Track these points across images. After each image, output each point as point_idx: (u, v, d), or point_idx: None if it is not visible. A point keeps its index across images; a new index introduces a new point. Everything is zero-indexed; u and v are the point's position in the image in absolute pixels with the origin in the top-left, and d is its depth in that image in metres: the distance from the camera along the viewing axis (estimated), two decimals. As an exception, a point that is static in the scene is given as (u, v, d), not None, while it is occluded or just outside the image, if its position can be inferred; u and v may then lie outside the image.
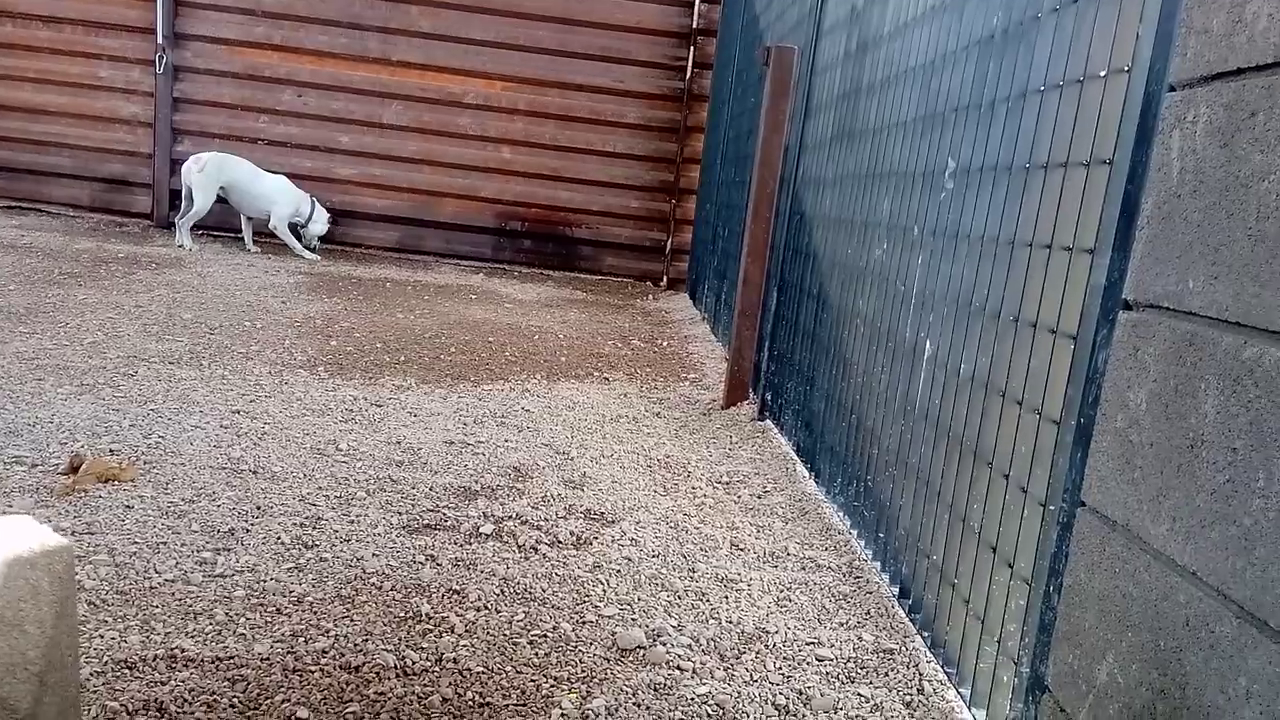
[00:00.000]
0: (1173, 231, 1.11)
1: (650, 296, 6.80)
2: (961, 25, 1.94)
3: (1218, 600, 0.99)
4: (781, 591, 2.03)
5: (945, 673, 1.71)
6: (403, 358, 3.86)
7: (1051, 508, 1.35)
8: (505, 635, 1.72)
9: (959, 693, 1.63)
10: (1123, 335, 1.19)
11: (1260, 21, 1.02)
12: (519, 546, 2.11)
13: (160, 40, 6.81)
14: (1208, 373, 1.03)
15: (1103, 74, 1.36)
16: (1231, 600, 0.97)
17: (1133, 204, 1.21)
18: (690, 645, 1.75)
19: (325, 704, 1.46)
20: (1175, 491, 1.07)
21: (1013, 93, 1.67)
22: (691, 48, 7.04)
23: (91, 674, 1.46)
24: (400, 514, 2.22)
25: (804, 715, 1.58)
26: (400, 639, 1.66)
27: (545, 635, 1.74)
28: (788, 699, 1.61)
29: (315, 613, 1.72)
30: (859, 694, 1.65)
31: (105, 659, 1.50)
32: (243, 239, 6.64)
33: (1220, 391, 1.01)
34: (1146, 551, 1.11)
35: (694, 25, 7.01)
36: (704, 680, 1.64)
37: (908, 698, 1.65)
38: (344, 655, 1.59)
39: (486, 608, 1.82)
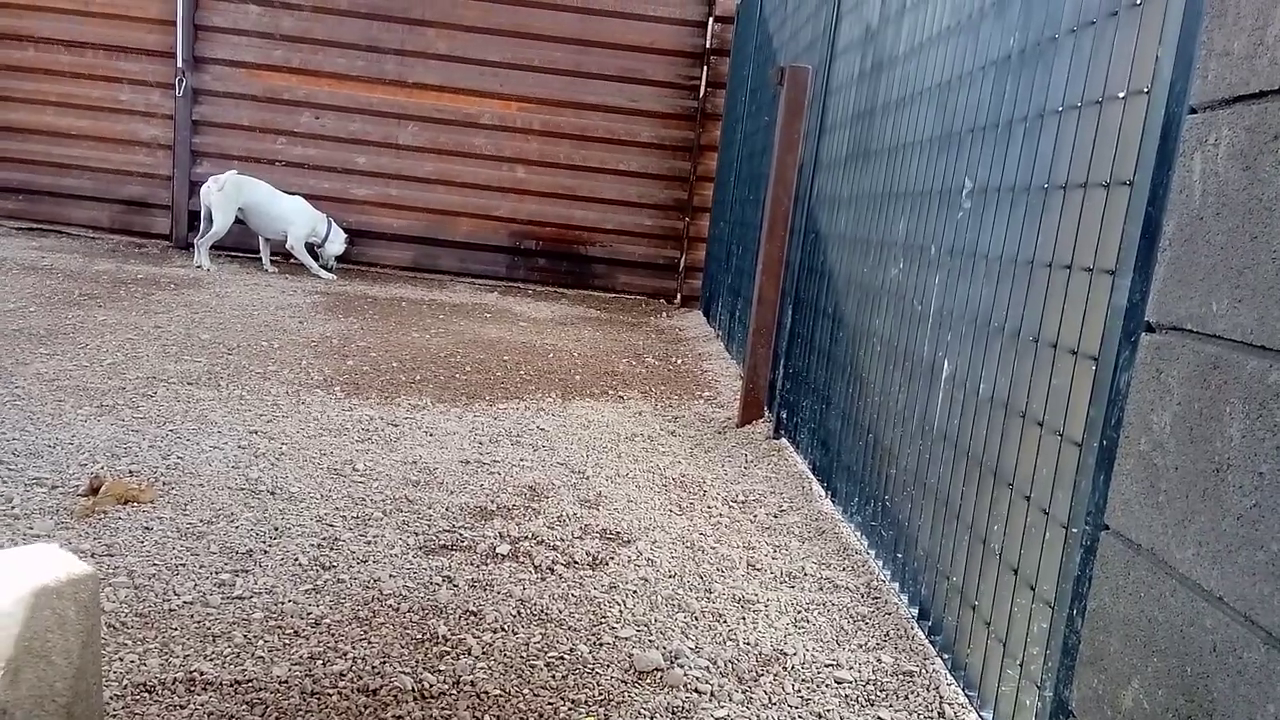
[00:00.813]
0: (1195, 254, 1.11)
1: (664, 314, 6.81)
2: (978, 46, 1.94)
3: (1245, 626, 0.98)
4: (799, 612, 2.02)
5: (966, 696, 1.69)
6: (418, 377, 3.88)
7: (1074, 530, 1.34)
8: (522, 657, 1.72)
9: (980, 716, 1.62)
10: (1145, 357, 1.18)
11: (1281, 43, 1.01)
12: (535, 567, 2.11)
13: (180, 64, 6.90)
14: (1233, 396, 1.02)
15: (1122, 95, 1.36)
16: (1259, 626, 0.96)
17: (1154, 226, 1.20)
18: (708, 667, 1.74)
19: (344, 727, 1.45)
20: (1201, 516, 1.06)
21: (1031, 113, 1.66)
22: (705, 67, 7.07)
23: (111, 697, 1.46)
24: (417, 535, 2.22)
25: (824, 740, 1.56)
26: (418, 661, 1.66)
27: (562, 657, 1.74)
28: (807, 723, 1.60)
29: (333, 635, 1.72)
30: (879, 717, 1.63)
31: (125, 682, 1.51)
32: (260, 259, 6.69)
33: (1246, 415, 1.00)
34: (1172, 576, 1.09)
35: (708, 45, 7.04)
36: (722, 703, 1.63)
37: (929, 722, 1.64)
38: (362, 678, 1.59)
39: (503, 629, 1.81)
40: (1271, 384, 0.97)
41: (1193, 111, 1.15)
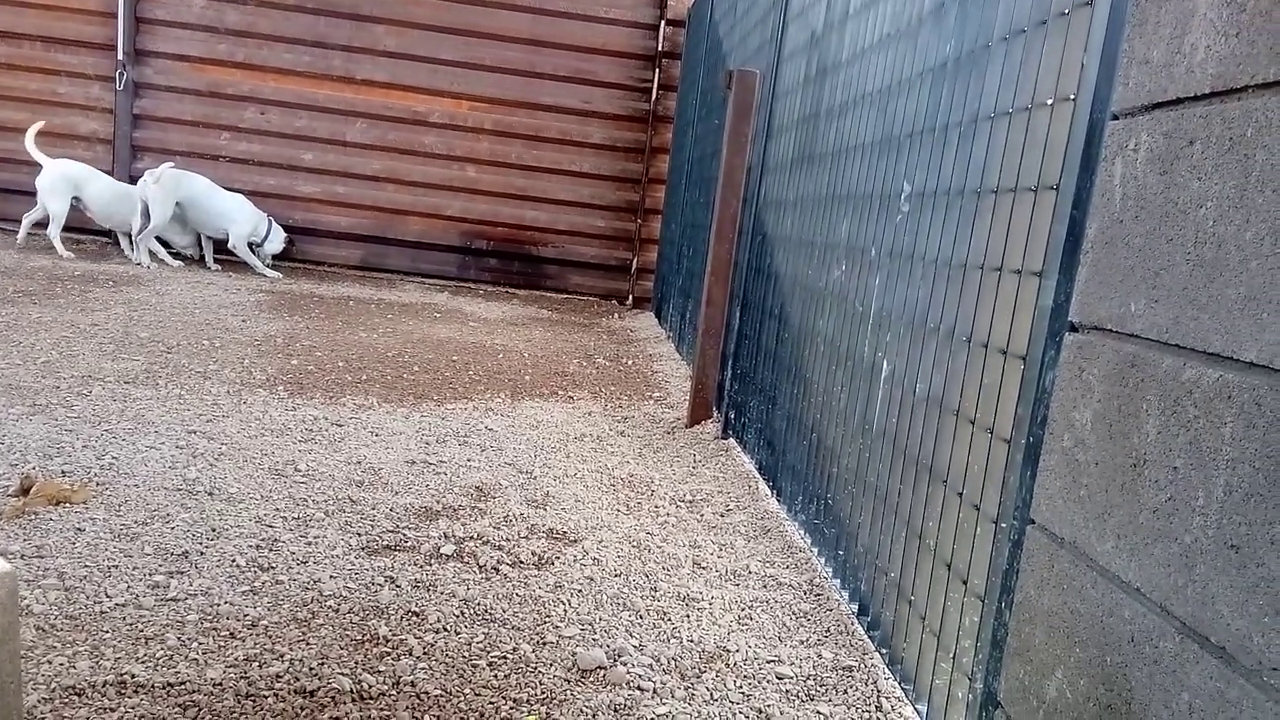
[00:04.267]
0: (1115, 256, 1.14)
1: (615, 315, 6.82)
2: (916, 53, 1.98)
3: (1161, 616, 1.01)
4: (743, 610, 2.03)
5: (902, 689, 1.73)
6: (365, 376, 3.83)
7: (1003, 525, 1.37)
8: (464, 657, 1.71)
9: (916, 709, 1.65)
10: (1069, 356, 1.22)
11: (1198, 53, 1.05)
12: (480, 567, 2.10)
13: (121, 56, 6.74)
14: (1149, 393, 1.06)
15: (1050, 101, 1.40)
16: (1174, 616, 0.99)
17: (1078, 229, 1.24)
18: (651, 665, 1.75)
19: (279, 729, 1.43)
20: (1119, 509, 1.09)
21: (965, 119, 1.70)
22: (657, 70, 7.10)
23: (39, 701, 1.43)
24: (359, 535, 2.20)
25: (763, 734, 1.58)
26: (357, 662, 1.65)
27: (505, 657, 1.73)
28: (748, 718, 1.61)
29: (270, 636, 1.70)
30: (818, 712, 1.66)
31: (53, 685, 1.47)
32: (203, 257, 6.56)
33: (1161, 412, 1.04)
34: (1093, 568, 1.13)
35: (659, 48, 7.07)
36: (664, 700, 1.64)
37: (866, 715, 1.67)
38: (299, 680, 1.57)
39: (446, 629, 1.80)
40: (1185, 381, 1.01)
41: (1115, 118, 1.18)
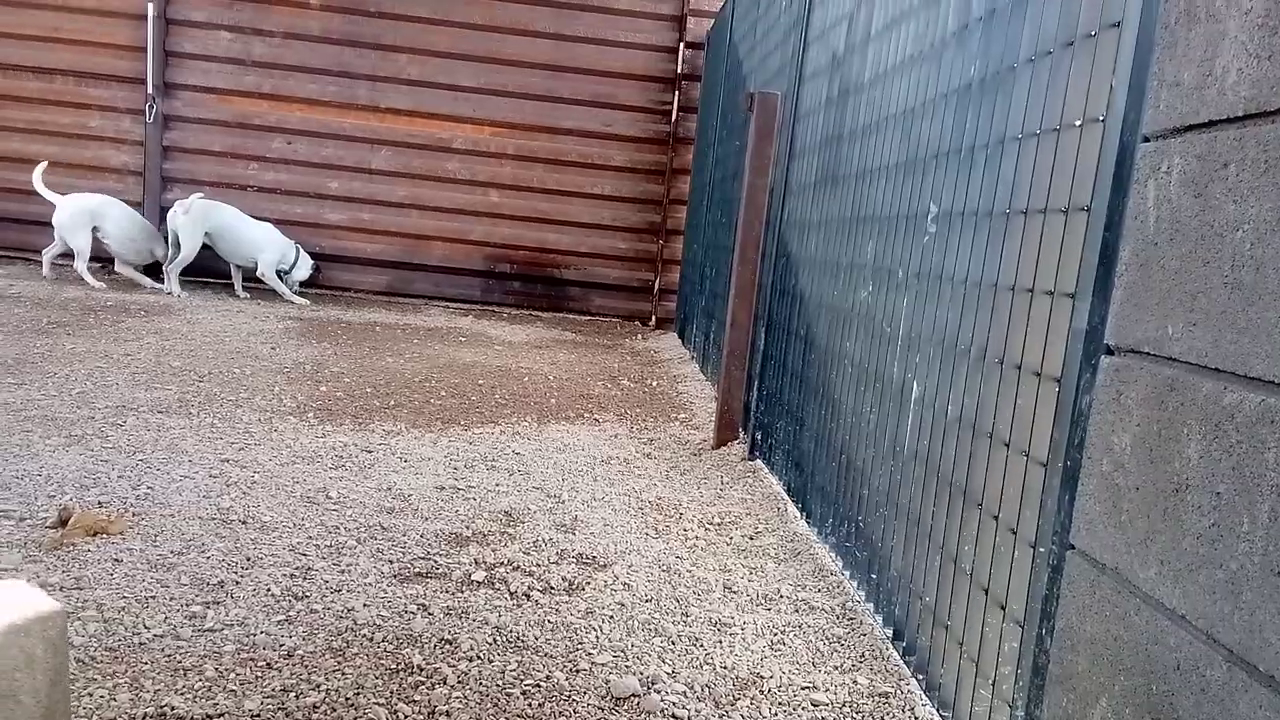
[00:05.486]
0: (1151, 279, 1.14)
1: (639, 336, 6.83)
2: (940, 74, 1.98)
3: (1207, 644, 1.00)
4: (775, 635, 2.02)
5: (940, 716, 1.71)
6: (393, 402, 3.86)
7: (1041, 550, 1.36)
8: (498, 685, 1.71)
9: (955, 737, 1.63)
10: (1105, 380, 1.21)
11: (1230, 75, 1.05)
12: (511, 593, 2.10)
13: (150, 90, 6.87)
14: (1190, 417, 1.05)
15: (1079, 123, 1.40)
16: (1221, 644, 0.98)
17: (1111, 251, 1.24)
18: (685, 692, 1.75)
19: (317, 761, 1.44)
20: (1162, 535, 1.08)
21: (991, 140, 1.70)
22: (677, 92, 7.14)
23: (80, 734, 1.44)
24: (391, 562, 2.21)
25: (800, 763, 1.57)
26: (392, 692, 1.65)
27: (539, 685, 1.73)
28: (784, 746, 1.60)
29: (306, 666, 1.71)
30: (855, 740, 1.64)
31: (95, 718, 1.48)
32: (231, 285, 6.65)
33: (1203, 436, 1.03)
34: (1136, 595, 1.11)
35: (679, 71, 7.11)
36: (699, 729, 1.63)
37: (904, 743, 1.65)
38: (335, 710, 1.57)
39: (479, 657, 1.81)
40: (1226, 405, 1.00)
41: (1146, 140, 1.18)
